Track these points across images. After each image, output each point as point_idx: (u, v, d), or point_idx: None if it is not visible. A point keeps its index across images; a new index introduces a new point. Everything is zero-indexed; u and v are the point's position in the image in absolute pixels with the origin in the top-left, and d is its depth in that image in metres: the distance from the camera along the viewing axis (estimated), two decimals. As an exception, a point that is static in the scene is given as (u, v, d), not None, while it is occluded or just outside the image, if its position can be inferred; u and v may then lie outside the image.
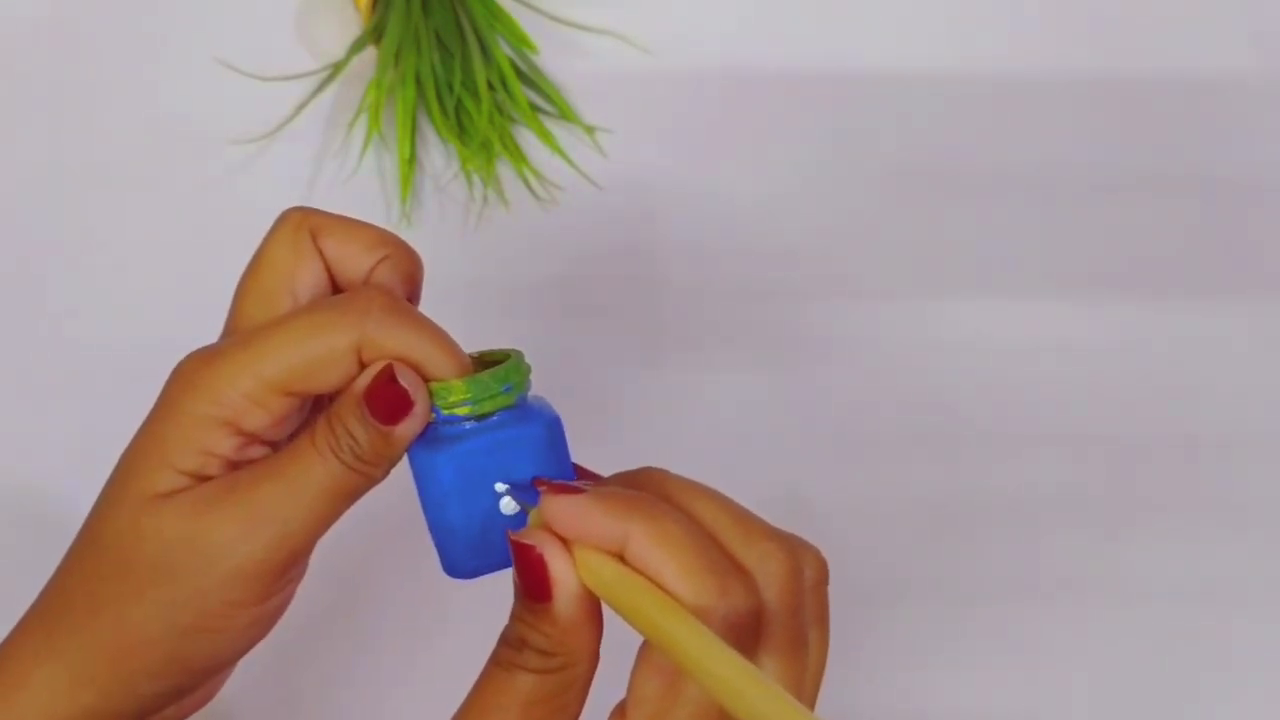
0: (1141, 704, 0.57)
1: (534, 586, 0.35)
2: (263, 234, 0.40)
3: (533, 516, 0.37)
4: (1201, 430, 0.61)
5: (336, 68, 0.65)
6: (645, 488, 0.37)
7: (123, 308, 0.62)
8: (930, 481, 0.60)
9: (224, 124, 0.64)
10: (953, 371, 0.62)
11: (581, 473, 0.40)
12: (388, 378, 0.37)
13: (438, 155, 0.65)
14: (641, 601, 0.33)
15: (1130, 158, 0.66)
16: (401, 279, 0.40)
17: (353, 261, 0.40)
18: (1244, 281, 0.64)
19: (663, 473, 0.38)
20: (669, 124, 0.66)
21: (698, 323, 0.63)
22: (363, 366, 0.38)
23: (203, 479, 0.38)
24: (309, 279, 0.39)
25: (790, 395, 0.61)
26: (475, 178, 0.64)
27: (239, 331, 0.39)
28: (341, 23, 0.67)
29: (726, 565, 0.34)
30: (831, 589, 0.37)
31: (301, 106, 0.64)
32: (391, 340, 0.37)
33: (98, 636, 0.38)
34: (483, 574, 0.39)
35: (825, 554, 0.37)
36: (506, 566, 0.38)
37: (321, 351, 0.37)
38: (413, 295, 0.41)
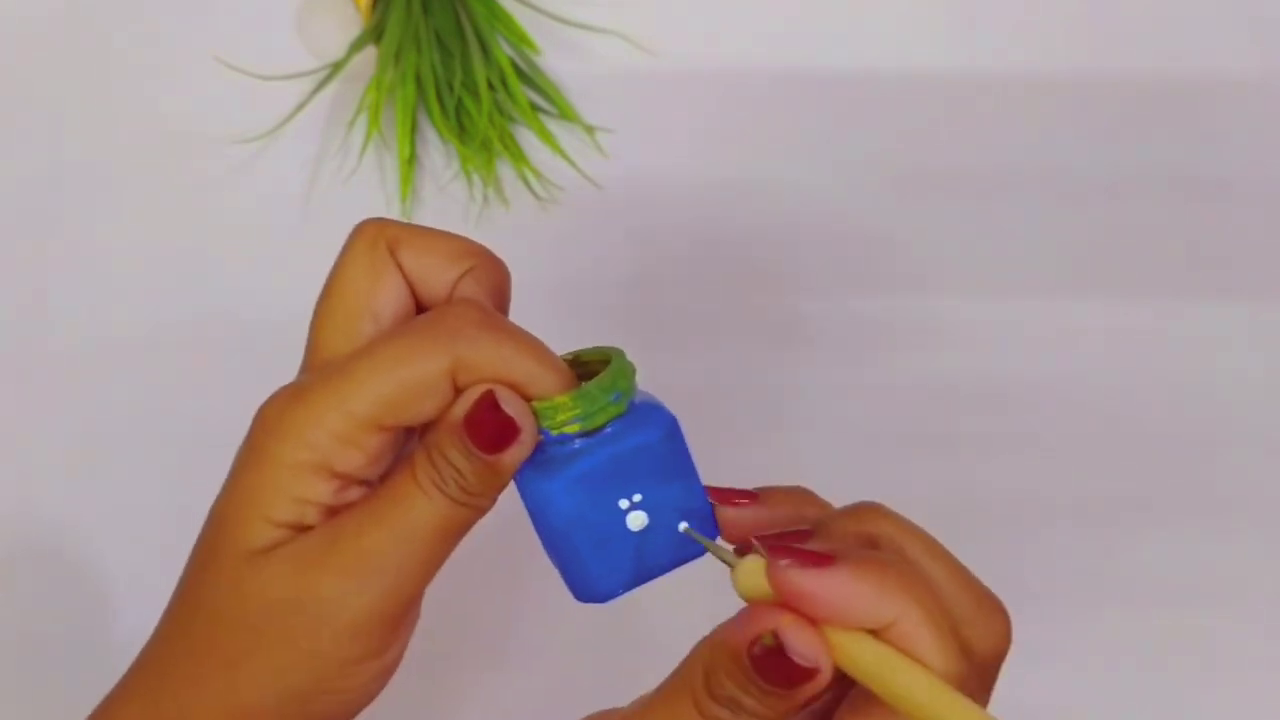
0: (1141, 704, 0.57)
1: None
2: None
3: (744, 577, 0.33)
4: (1201, 430, 0.61)
5: (336, 67, 0.65)
6: (865, 525, 0.35)
7: (123, 307, 0.62)
8: (930, 481, 0.60)
9: (224, 124, 0.64)
10: (953, 371, 0.62)
11: (729, 495, 0.37)
12: (490, 405, 0.34)
13: (438, 155, 0.65)
14: (913, 685, 0.32)
15: (1130, 158, 0.66)
16: (489, 292, 0.37)
17: (435, 275, 0.36)
18: (1244, 281, 0.64)
19: (880, 512, 0.35)
20: (669, 124, 0.66)
21: (697, 322, 0.63)
22: (458, 390, 0.35)
23: (301, 529, 0.35)
24: (389, 298, 0.36)
25: (790, 394, 0.61)
26: (475, 178, 0.64)
27: (320, 365, 0.36)
28: (341, 22, 0.67)
29: (959, 631, 0.34)
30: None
31: (301, 106, 0.64)
32: (488, 361, 0.34)
33: (205, 704, 0.35)
34: (617, 595, 0.37)
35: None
36: (642, 583, 0.37)
37: (413, 380, 0.34)
38: (501, 309, 0.38)
